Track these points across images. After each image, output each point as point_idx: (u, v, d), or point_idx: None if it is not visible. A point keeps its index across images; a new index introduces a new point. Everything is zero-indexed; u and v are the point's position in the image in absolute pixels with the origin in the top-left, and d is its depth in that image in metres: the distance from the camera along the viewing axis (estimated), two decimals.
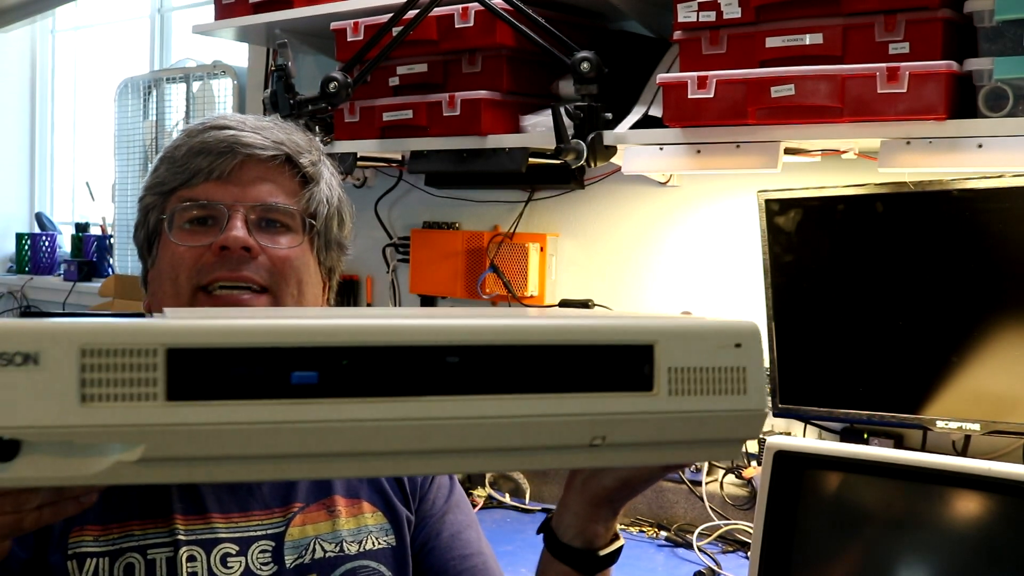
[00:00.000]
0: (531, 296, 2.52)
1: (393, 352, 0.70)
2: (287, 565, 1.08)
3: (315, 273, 1.15)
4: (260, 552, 1.08)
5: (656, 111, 2.05)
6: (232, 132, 1.11)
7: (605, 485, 0.98)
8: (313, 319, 0.71)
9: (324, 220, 1.16)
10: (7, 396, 0.64)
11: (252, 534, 1.08)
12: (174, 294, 1.08)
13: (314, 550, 1.10)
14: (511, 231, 2.59)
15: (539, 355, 0.73)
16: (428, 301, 2.78)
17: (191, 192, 1.11)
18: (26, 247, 4.60)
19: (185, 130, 1.17)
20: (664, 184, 2.36)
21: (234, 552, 1.07)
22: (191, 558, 1.04)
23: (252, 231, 1.09)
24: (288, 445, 0.69)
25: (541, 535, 1.05)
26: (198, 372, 0.67)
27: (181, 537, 1.05)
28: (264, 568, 1.07)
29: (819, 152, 2.00)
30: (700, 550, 2.03)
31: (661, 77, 1.96)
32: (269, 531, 1.09)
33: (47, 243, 4.60)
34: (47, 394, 0.65)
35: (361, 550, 1.13)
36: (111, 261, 4.24)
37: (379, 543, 1.14)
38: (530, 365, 0.73)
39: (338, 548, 1.11)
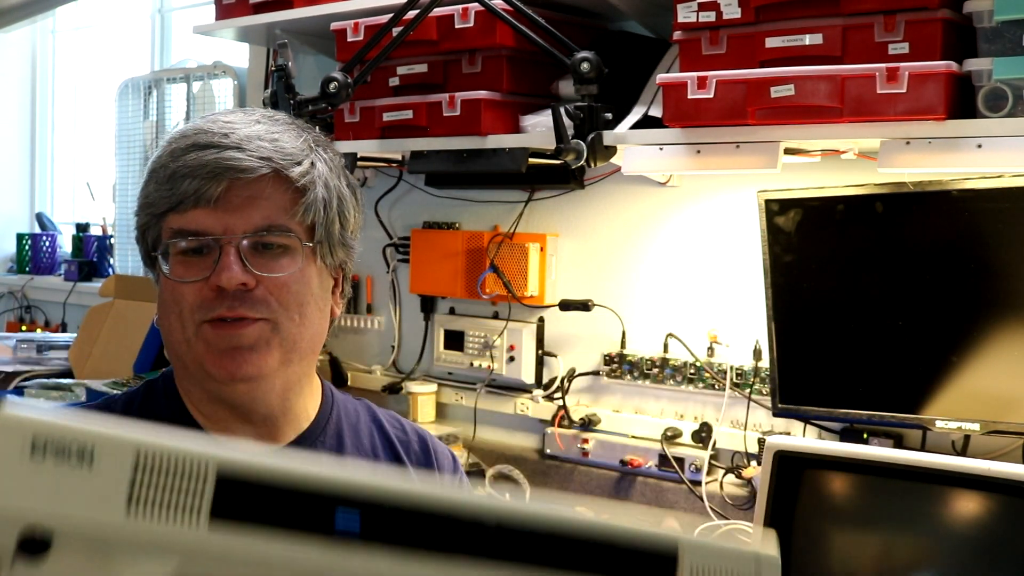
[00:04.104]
0: (531, 296, 2.52)
1: (438, 514, 0.73)
2: None
3: (319, 285, 1.14)
4: None
5: (656, 111, 2.05)
6: (215, 153, 1.07)
7: None
8: (366, 474, 0.74)
9: (324, 226, 1.13)
10: (55, 489, 0.65)
11: None
12: (180, 327, 1.10)
13: None
14: (511, 231, 2.59)
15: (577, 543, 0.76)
16: (428, 301, 2.79)
17: (182, 220, 1.09)
18: (27, 247, 4.60)
19: (169, 142, 1.12)
20: (664, 184, 2.36)
21: None
22: None
23: (247, 258, 1.08)
24: None
25: None
26: (243, 500, 0.69)
27: None
28: None
29: (819, 152, 2.00)
30: None
31: (661, 77, 1.96)
32: None
33: (48, 243, 4.60)
34: (95, 494, 0.66)
35: None
36: (111, 261, 4.25)
37: None
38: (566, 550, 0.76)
39: None
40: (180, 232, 1.09)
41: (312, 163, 1.12)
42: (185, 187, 1.07)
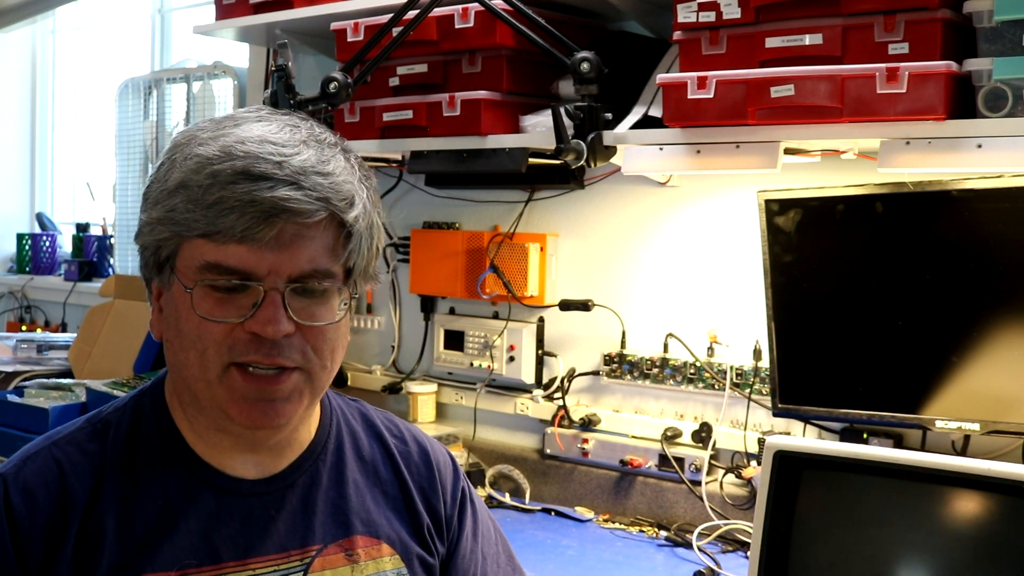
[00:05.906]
0: (531, 296, 2.52)
1: None
2: None
3: (346, 323, 1.10)
4: None
5: (656, 111, 2.05)
6: (269, 189, 0.98)
7: None
8: None
9: (363, 266, 1.08)
10: None
11: None
12: (200, 365, 1.02)
13: None
14: (511, 231, 2.59)
15: None
16: (428, 301, 2.79)
17: (219, 253, 0.99)
18: (27, 247, 4.60)
19: (205, 157, 1.00)
20: (664, 184, 2.36)
21: None
22: None
23: (287, 301, 1.01)
24: None
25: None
26: None
27: None
28: None
29: (819, 152, 2.00)
30: (700, 550, 2.03)
31: (661, 77, 1.96)
32: None
33: (48, 243, 4.60)
34: None
35: None
36: (111, 261, 4.25)
37: None
38: None
39: None
40: (217, 267, 1.00)
41: (364, 204, 1.06)
42: (231, 221, 0.98)
